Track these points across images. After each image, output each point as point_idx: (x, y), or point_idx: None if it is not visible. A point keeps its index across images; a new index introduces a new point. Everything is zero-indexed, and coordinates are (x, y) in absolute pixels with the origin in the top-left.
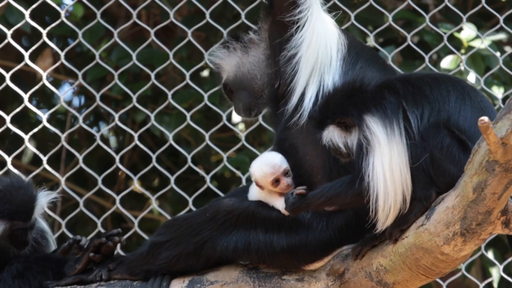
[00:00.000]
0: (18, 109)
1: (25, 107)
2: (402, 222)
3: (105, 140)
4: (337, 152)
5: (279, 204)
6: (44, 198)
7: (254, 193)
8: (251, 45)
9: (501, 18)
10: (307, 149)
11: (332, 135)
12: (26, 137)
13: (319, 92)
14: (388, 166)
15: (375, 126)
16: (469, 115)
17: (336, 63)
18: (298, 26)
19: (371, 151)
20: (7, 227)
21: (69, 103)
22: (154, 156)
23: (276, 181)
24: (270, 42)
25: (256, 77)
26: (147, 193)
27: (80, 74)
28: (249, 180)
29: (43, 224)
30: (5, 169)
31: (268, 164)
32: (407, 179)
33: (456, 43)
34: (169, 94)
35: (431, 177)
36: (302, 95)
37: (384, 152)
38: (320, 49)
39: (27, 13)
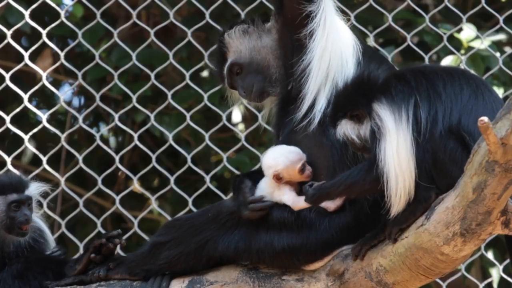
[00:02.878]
0: (18, 109)
1: (25, 107)
2: (401, 221)
3: (105, 140)
4: (352, 145)
5: (289, 198)
6: (36, 185)
7: (263, 189)
8: (265, 33)
9: (501, 19)
10: (312, 150)
11: (345, 128)
12: (26, 137)
13: (330, 100)
14: (396, 151)
15: (383, 113)
16: (479, 116)
17: (351, 72)
18: (312, 36)
19: (383, 137)
20: (2, 203)
21: (69, 103)
22: (154, 156)
23: (303, 168)
24: (281, 44)
25: (273, 66)
26: (147, 193)
27: (80, 74)
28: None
29: (42, 224)
30: (5, 169)
31: (292, 152)
32: (411, 167)
33: (456, 44)
34: (169, 94)
35: (432, 178)
36: (313, 102)
37: (392, 138)
38: (333, 58)
39: (27, 13)
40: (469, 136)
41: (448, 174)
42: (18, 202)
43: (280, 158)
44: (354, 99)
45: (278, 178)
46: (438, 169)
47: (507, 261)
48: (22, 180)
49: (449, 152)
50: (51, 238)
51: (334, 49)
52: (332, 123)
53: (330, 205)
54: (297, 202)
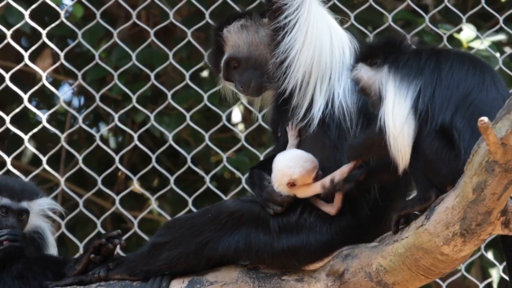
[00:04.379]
0: (17, 110)
1: (25, 108)
2: (400, 208)
3: (104, 140)
4: (362, 90)
5: (312, 190)
6: (47, 201)
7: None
8: (263, 28)
9: (501, 19)
10: (314, 151)
11: (360, 70)
12: (25, 138)
13: (329, 101)
14: (391, 118)
15: (387, 80)
16: (476, 112)
17: (349, 71)
18: (286, 32)
19: (383, 102)
20: None
21: (69, 103)
22: (153, 157)
23: (317, 175)
24: (273, 39)
25: (269, 61)
26: (147, 194)
27: (79, 74)
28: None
29: (44, 226)
30: (4, 169)
31: (307, 160)
32: (409, 132)
33: (456, 44)
34: (169, 94)
35: (430, 178)
36: (311, 103)
37: (389, 104)
38: (321, 56)
39: (26, 13)
40: (459, 134)
41: (437, 172)
42: (7, 209)
43: (296, 167)
44: (377, 51)
45: (292, 185)
46: (428, 168)
47: None
48: (25, 189)
49: (436, 151)
50: (53, 246)
51: (317, 44)
52: (352, 66)
53: (331, 210)
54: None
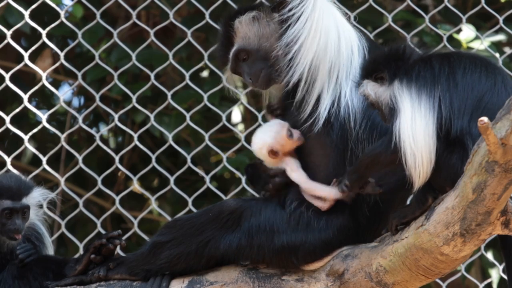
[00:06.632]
0: (17, 110)
1: (25, 108)
2: (401, 216)
3: (104, 140)
4: (372, 105)
5: (297, 174)
6: (39, 192)
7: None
8: (272, 22)
9: (501, 19)
10: (314, 148)
11: (366, 87)
12: (25, 138)
13: (335, 100)
14: (410, 129)
15: (400, 93)
16: (490, 115)
17: (357, 70)
18: (289, 24)
19: (398, 115)
20: None
21: (69, 103)
22: (153, 157)
23: (290, 133)
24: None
25: (280, 55)
26: (147, 194)
27: (79, 74)
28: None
29: (42, 228)
30: (4, 169)
31: (272, 124)
32: (430, 146)
33: (456, 44)
34: (169, 94)
35: (428, 181)
36: (317, 102)
37: (407, 117)
38: (323, 49)
39: (26, 13)
40: (474, 140)
41: (438, 174)
42: (10, 210)
43: (265, 135)
44: (382, 66)
45: (274, 153)
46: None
47: None
48: (22, 186)
49: (438, 152)
50: (49, 242)
51: (324, 41)
52: (358, 82)
53: (322, 205)
54: (328, 192)
